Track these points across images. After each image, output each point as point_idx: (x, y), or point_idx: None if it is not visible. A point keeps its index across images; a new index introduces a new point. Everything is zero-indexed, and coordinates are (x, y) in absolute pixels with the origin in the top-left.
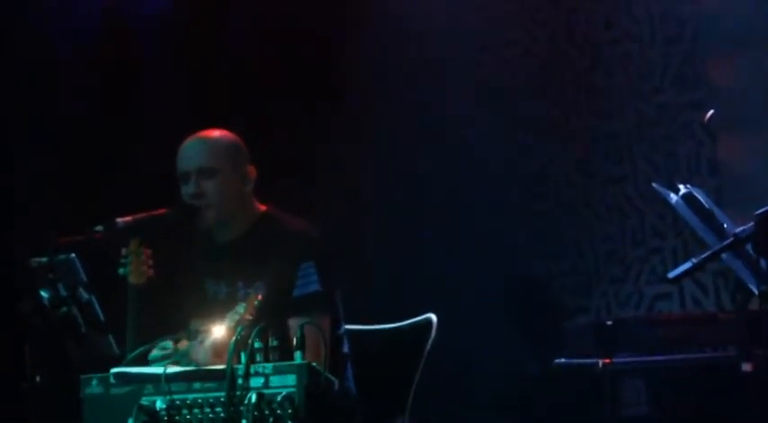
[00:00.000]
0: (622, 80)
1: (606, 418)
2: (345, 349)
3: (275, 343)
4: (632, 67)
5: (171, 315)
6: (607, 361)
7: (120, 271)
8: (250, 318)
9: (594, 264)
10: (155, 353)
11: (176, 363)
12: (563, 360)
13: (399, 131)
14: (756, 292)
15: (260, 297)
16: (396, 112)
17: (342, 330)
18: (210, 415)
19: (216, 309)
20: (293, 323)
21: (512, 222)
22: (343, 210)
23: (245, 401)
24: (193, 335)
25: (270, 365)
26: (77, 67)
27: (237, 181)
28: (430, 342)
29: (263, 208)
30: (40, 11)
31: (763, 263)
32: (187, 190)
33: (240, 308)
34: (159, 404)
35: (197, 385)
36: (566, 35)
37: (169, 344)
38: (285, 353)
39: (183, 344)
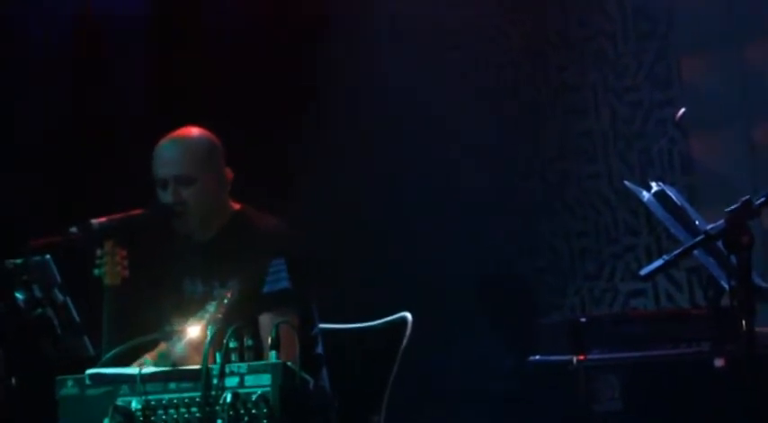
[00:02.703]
0: (596, 78)
1: (580, 414)
2: (320, 350)
3: (250, 342)
4: (606, 64)
5: (147, 315)
6: (581, 357)
7: (95, 272)
8: (220, 316)
9: (569, 261)
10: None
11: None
12: (537, 357)
13: (373, 131)
14: (728, 288)
15: (229, 295)
16: (369, 112)
17: (316, 330)
18: (186, 415)
19: (193, 308)
20: (263, 320)
21: (486, 220)
22: (318, 209)
23: (221, 401)
24: (168, 335)
25: (245, 365)
26: (49, 66)
27: (215, 186)
28: (405, 340)
29: (237, 207)
30: (12, 10)
31: (733, 259)
32: (165, 197)
33: (210, 307)
34: (135, 405)
35: (172, 385)
36: (539, 33)
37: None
38: (258, 350)
39: (162, 346)
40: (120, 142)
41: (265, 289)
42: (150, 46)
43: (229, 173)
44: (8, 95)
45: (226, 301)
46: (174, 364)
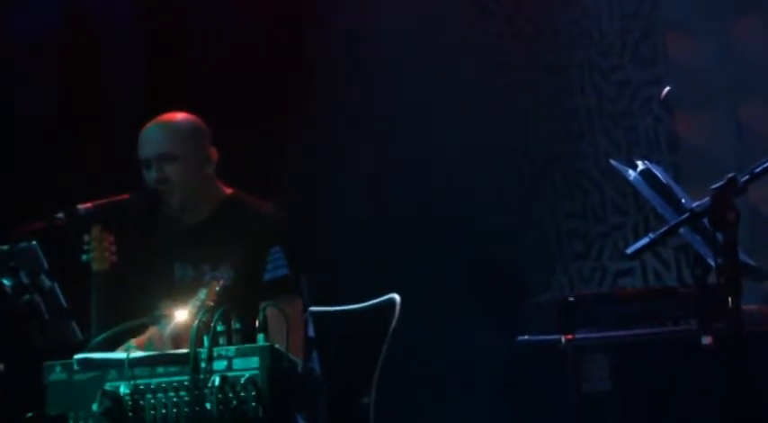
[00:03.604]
0: (582, 57)
1: (569, 393)
2: (311, 332)
3: (238, 326)
4: (591, 44)
5: (136, 300)
6: (569, 337)
7: (83, 257)
8: (211, 304)
9: (557, 241)
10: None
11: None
12: (526, 337)
13: (361, 115)
14: (714, 265)
15: (221, 283)
16: (358, 97)
17: (306, 313)
18: (174, 399)
19: (182, 292)
20: (270, 311)
21: (473, 201)
22: (305, 193)
23: (209, 384)
24: (157, 320)
25: (233, 348)
26: (34, 53)
27: (199, 164)
28: (394, 322)
29: (228, 191)
30: None
31: (719, 237)
32: (149, 176)
33: (202, 294)
34: (123, 389)
35: (160, 370)
36: (524, 13)
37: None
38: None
39: (151, 332)
40: (106, 128)
41: (266, 276)
42: (143, 32)
43: (214, 152)
44: None
45: (217, 288)
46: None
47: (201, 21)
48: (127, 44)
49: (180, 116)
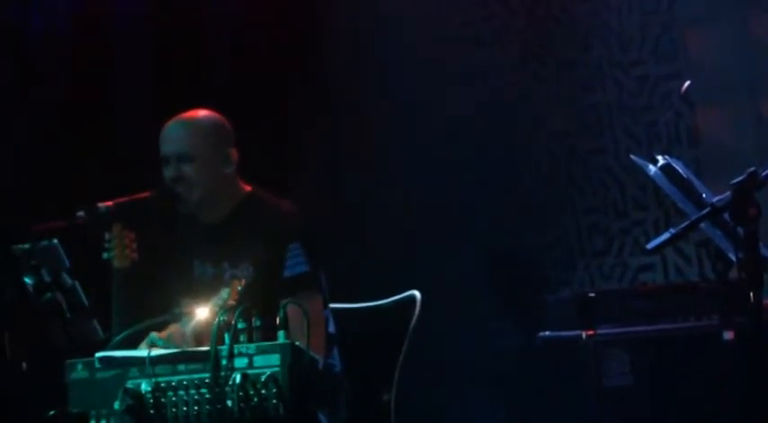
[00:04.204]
0: (602, 52)
1: (590, 389)
2: (331, 329)
3: (258, 323)
4: (611, 39)
5: (156, 298)
6: (590, 333)
7: (104, 255)
8: (233, 303)
9: (577, 236)
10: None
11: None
12: (547, 333)
13: (378, 111)
14: (735, 260)
15: (243, 282)
16: (375, 92)
17: (327, 310)
18: (196, 396)
19: (202, 290)
20: (291, 309)
21: (494, 196)
22: (323, 190)
23: (230, 382)
24: (178, 317)
25: (253, 346)
26: (51, 49)
27: (217, 164)
28: (414, 319)
29: (247, 188)
30: None
31: (740, 231)
32: (167, 173)
33: (224, 293)
34: (144, 387)
35: (181, 367)
36: (544, 8)
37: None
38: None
39: (172, 328)
40: (126, 126)
41: (286, 273)
42: (156, 29)
43: (234, 153)
44: (14, 79)
45: (240, 288)
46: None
47: (214, 20)
48: (139, 42)
49: (202, 114)
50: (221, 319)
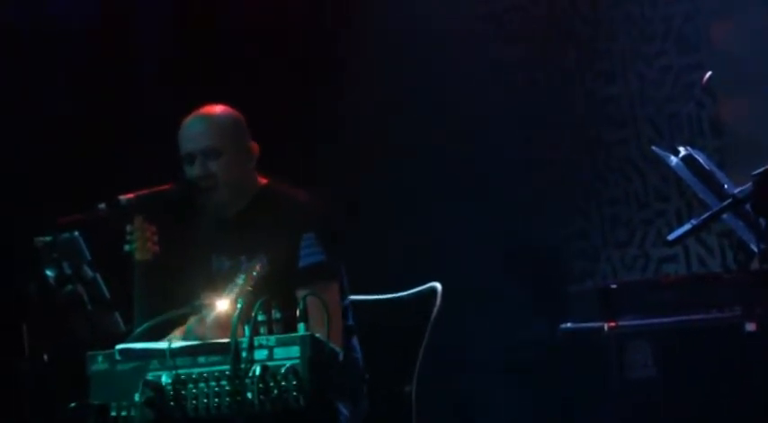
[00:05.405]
0: (624, 43)
1: (613, 381)
2: (350, 321)
3: (278, 315)
4: (634, 29)
5: (178, 290)
6: (612, 324)
7: (126, 248)
8: (249, 289)
9: (600, 228)
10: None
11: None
12: (569, 325)
13: (399, 99)
14: (757, 251)
15: (258, 267)
16: (395, 80)
17: (347, 301)
18: (216, 388)
19: (220, 283)
20: (301, 294)
21: (516, 188)
22: (343, 179)
23: (250, 374)
24: (198, 309)
25: (273, 338)
26: (74, 46)
27: (243, 159)
28: (435, 311)
29: (263, 181)
30: None
31: (762, 222)
32: (192, 171)
33: (239, 279)
34: (165, 379)
35: (202, 359)
36: None
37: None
38: (294, 325)
39: (191, 320)
40: (145, 119)
41: (301, 263)
42: (174, 18)
43: (255, 147)
44: (35, 71)
45: (255, 273)
46: (201, 339)
47: (233, 18)
48: (159, 37)
49: (220, 109)
50: (240, 308)
